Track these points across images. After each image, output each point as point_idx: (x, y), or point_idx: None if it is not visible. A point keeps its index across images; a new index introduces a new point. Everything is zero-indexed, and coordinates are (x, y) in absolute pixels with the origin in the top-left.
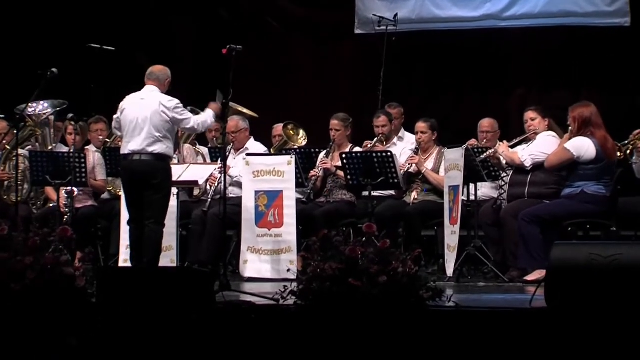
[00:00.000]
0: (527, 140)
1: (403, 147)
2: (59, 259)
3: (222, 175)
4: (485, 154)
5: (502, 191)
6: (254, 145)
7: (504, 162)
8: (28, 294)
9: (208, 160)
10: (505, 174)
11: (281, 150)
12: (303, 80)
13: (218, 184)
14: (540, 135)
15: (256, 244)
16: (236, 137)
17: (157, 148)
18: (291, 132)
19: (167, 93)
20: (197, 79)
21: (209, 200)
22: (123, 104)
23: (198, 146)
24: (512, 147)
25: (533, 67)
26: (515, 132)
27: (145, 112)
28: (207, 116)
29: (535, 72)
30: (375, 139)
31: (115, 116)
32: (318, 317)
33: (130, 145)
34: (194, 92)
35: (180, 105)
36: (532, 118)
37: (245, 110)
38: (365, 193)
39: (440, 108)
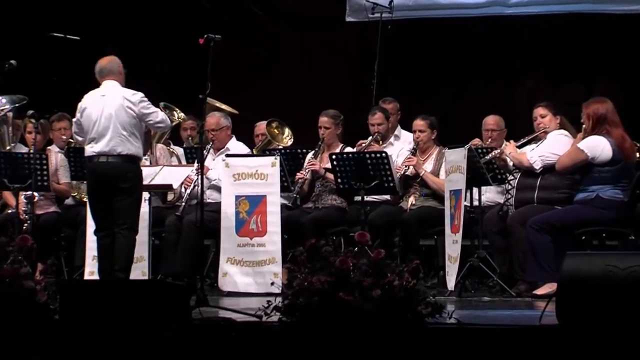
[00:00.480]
0: (536, 140)
1: (400, 148)
2: (18, 271)
3: (199, 177)
4: (490, 155)
5: (509, 196)
6: (235, 145)
7: (510, 163)
8: None
9: (183, 162)
10: (512, 177)
11: (264, 151)
12: (289, 74)
13: (194, 186)
14: (550, 134)
15: (237, 255)
16: (216, 136)
17: (126, 149)
18: (275, 130)
19: (132, 87)
20: (178, 72)
21: (183, 204)
22: (83, 104)
23: (172, 146)
24: (520, 147)
25: (542, 58)
26: (523, 131)
27: (108, 109)
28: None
29: (545, 63)
30: (370, 138)
31: (74, 119)
32: (305, 335)
33: (96, 146)
34: (172, 86)
35: (145, 98)
36: (542, 115)
37: (223, 106)
38: (358, 198)
39: (440, 104)
